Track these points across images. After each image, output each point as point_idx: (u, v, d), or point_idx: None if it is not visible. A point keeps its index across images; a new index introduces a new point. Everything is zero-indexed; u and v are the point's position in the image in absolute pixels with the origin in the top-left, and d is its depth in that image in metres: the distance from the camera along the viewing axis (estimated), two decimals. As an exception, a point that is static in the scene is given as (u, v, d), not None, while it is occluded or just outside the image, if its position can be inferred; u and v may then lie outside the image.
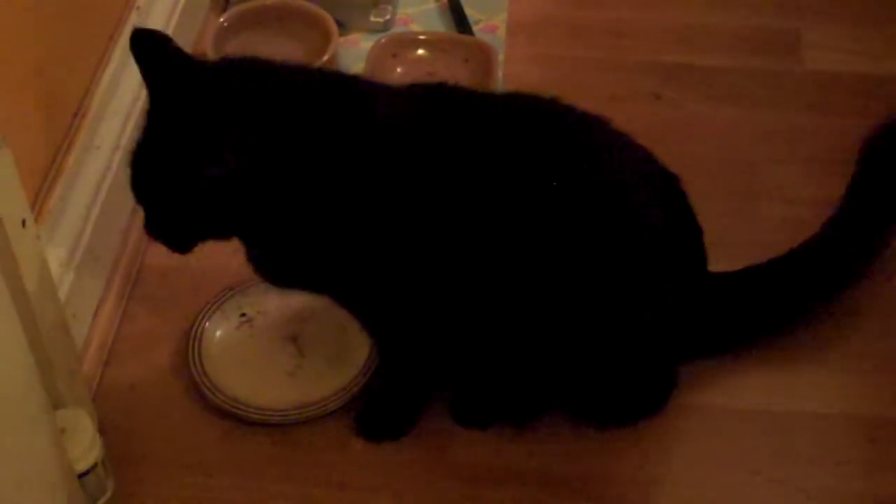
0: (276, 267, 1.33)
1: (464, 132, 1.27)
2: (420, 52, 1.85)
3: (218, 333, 1.52)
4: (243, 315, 1.54)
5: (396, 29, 1.95)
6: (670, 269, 1.34)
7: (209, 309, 1.54)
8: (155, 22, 1.72)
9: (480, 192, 1.26)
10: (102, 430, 1.36)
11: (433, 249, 1.26)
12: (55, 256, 1.41)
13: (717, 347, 1.49)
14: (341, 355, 1.50)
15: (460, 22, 1.96)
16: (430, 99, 1.30)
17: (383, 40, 1.86)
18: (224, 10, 1.93)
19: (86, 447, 1.30)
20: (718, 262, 1.49)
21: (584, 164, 1.30)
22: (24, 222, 1.20)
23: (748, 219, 1.69)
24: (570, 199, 1.27)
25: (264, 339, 1.53)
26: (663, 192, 1.37)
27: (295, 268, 1.31)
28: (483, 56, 1.84)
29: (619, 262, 1.29)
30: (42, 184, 1.44)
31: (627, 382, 1.40)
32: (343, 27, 1.90)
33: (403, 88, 1.32)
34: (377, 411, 1.46)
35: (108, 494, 1.35)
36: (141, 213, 1.61)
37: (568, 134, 1.32)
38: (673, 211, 1.36)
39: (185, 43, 1.82)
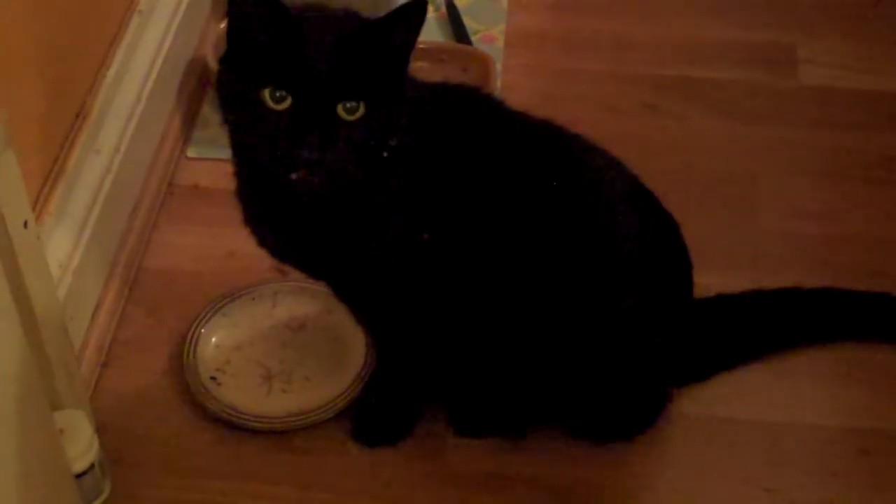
0: (311, 252, 1.30)
1: (486, 144, 1.29)
2: (419, 62, 1.85)
3: (213, 340, 1.52)
4: (238, 325, 1.55)
5: (396, 38, 1.96)
6: (660, 293, 1.35)
7: (206, 314, 1.54)
8: (156, 26, 1.73)
9: (491, 204, 1.27)
10: (99, 431, 1.37)
11: (452, 251, 1.28)
12: (54, 258, 1.41)
13: (704, 373, 1.50)
14: (337, 363, 1.50)
15: (459, 32, 1.97)
16: (455, 103, 1.31)
17: (383, 49, 1.87)
18: (224, 15, 1.93)
19: (83, 448, 1.31)
20: (716, 275, 1.50)
21: (587, 196, 1.31)
22: (25, 224, 1.20)
23: (746, 231, 1.70)
24: (569, 224, 1.28)
25: (259, 347, 1.53)
26: (658, 226, 1.37)
27: (338, 255, 1.28)
28: (481, 66, 1.85)
29: (611, 283, 1.30)
30: (43, 185, 1.44)
31: (621, 400, 1.41)
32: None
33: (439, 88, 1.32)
34: (374, 418, 1.46)
35: (105, 495, 1.36)
36: (140, 215, 1.63)
37: (576, 165, 1.32)
38: (665, 242, 1.37)
39: (186, 48, 1.83)
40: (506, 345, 1.33)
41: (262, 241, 1.31)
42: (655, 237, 1.35)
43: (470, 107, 1.31)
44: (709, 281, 1.47)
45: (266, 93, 1.12)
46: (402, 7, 1.14)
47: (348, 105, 1.13)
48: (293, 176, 1.15)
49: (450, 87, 1.33)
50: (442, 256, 1.27)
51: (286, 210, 1.24)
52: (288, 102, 1.13)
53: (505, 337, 1.32)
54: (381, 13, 1.15)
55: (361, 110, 1.14)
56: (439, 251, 1.27)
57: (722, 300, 1.53)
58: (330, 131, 1.13)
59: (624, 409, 1.43)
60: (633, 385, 1.39)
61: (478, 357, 1.36)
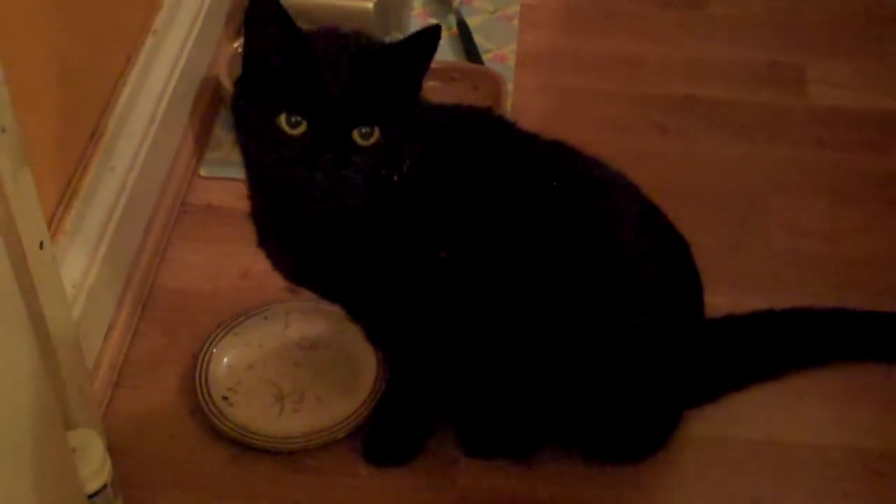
0: (324, 275, 1.31)
1: (498, 167, 1.30)
2: (430, 81, 1.85)
3: (225, 360, 1.53)
4: (250, 344, 1.55)
5: (406, 57, 1.97)
6: (671, 313, 1.35)
7: (218, 334, 1.54)
8: (170, 46, 1.74)
9: (503, 226, 1.28)
10: (111, 450, 1.37)
11: (464, 268, 1.29)
12: (69, 277, 1.42)
13: (714, 393, 1.51)
14: (348, 383, 1.51)
15: (470, 51, 1.98)
16: (468, 126, 1.32)
17: (394, 68, 1.87)
18: (238, 35, 1.95)
19: (96, 468, 1.31)
20: (726, 295, 1.50)
21: (599, 217, 1.32)
22: (41, 244, 1.21)
23: (756, 251, 1.70)
24: (581, 245, 1.29)
25: (271, 367, 1.53)
26: (669, 247, 1.38)
27: (357, 277, 1.29)
28: (492, 85, 1.86)
29: (622, 303, 1.31)
30: (58, 205, 1.45)
31: (632, 421, 1.41)
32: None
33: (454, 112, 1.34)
34: (384, 437, 1.46)
35: (117, 515, 1.36)
36: (153, 234, 1.64)
37: (588, 187, 1.33)
38: (677, 266, 1.38)
39: (199, 68, 1.84)
40: (516, 364, 1.34)
41: (277, 264, 1.31)
42: (667, 257, 1.36)
43: (482, 129, 1.32)
44: (718, 301, 1.48)
45: (282, 118, 1.13)
46: (418, 33, 1.15)
47: (363, 130, 1.14)
48: (307, 200, 1.16)
49: (462, 110, 1.34)
50: (455, 277, 1.28)
51: (300, 233, 1.24)
52: (303, 127, 1.13)
53: (516, 356, 1.33)
54: (394, 34, 1.16)
55: (376, 135, 1.15)
56: (452, 272, 1.28)
57: (732, 321, 1.53)
58: (345, 156, 1.14)
59: (635, 430, 1.43)
60: (644, 406, 1.39)
61: (489, 376, 1.37)
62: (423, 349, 1.35)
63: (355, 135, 1.14)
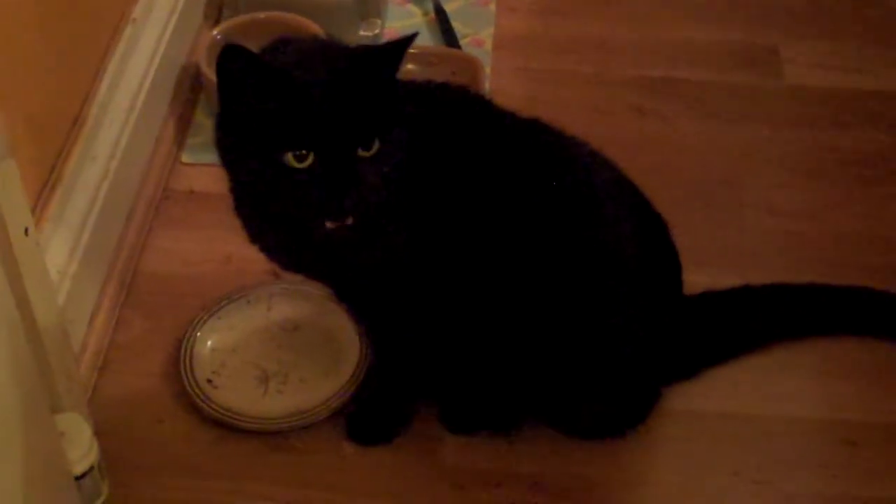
0: (321, 263, 1.33)
1: (475, 143, 1.31)
2: (409, 65, 1.87)
3: (209, 343, 1.54)
4: (233, 327, 1.56)
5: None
6: (650, 290, 1.37)
7: (201, 317, 1.56)
8: (150, 34, 1.75)
9: (481, 202, 1.29)
10: (97, 434, 1.38)
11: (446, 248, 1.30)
12: (53, 264, 1.43)
13: (693, 369, 1.53)
14: (332, 363, 1.52)
15: (448, 36, 1.99)
16: (444, 103, 1.34)
17: (372, 54, 1.88)
18: (217, 23, 1.95)
19: (83, 451, 1.33)
20: (703, 273, 1.52)
21: (577, 193, 1.33)
22: (26, 231, 1.22)
23: (733, 229, 1.72)
24: (559, 221, 1.31)
25: (255, 349, 1.55)
26: (647, 224, 1.40)
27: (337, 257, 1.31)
28: (470, 69, 1.87)
29: (602, 280, 1.33)
30: (41, 192, 1.46)
31: (613, 397, 1.43)
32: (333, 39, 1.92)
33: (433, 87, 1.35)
34: (368, 416, 1.48)
35: (104, 497, 1.38)
36: (136, 220, 1.65)
37: (566, 163, 1.34)
38: (655, 243, 1.40)
39: (178, 55, 1.85)
40: (497, 340, 1.35)
41: (274, 258, 1.34)
42: (645, 234, 1.38)
43: (459, 106, 1.33)
44: (696, 279, 1.50)
45: (288, 156, 1.15)
46: (395, 43, 1.17)
47: (367, 143, 1.17)
48: (329, 225, 1.19)
49: (437, 87, 1.35)
50: (438, 256, 1.30)
51: (306, 240, 1.26)
52: (311, 159, 1.15)
53: (496, 332, 1.34)
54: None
55: (377, 145, 1.17)
56: (436, 251, 1.29)
57: (709, 297, 1.55)
58: (356, 175, 1.16)
59: (615, 406, 1.45)
60: (624, 381, 1.41)
61: (469, 352, 1.38)
62: (408, 324, 1.37)
63: (360, 151, 1.17)
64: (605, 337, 1.35)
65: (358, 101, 1.15)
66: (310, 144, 1.15)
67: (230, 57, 1.14)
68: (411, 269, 1.30)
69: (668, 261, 1.41)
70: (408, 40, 1.18)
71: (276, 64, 1.16)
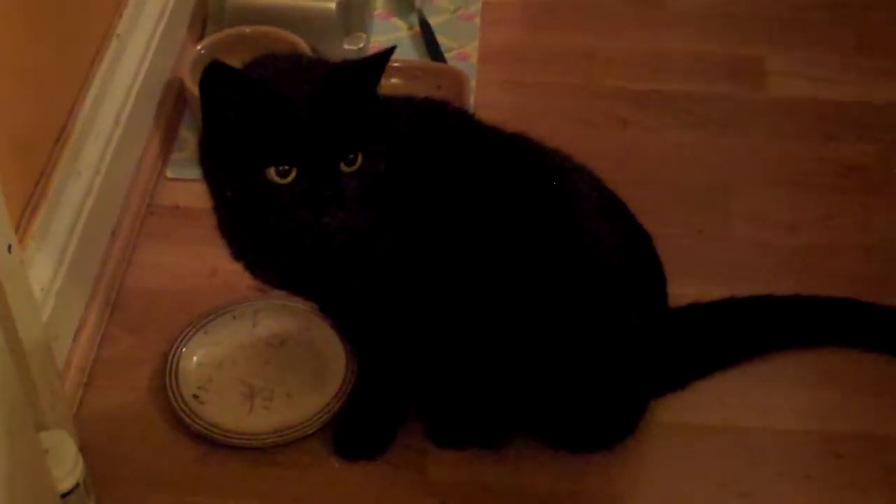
0: (304, 279, 1.33)
1: (457, 157, 1.32)
2: (393, 79, 1.88)
3: (195, 359, 1.54)
4: (219, 343, 1.56)
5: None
6: (635, 303, 1.37)
7: (187, 333, 1.55)
8: (134, 49, 1.75)
9: (466, 216, 1.30)
10: (83, 450, 1.37)
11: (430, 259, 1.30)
12: (37, 280, 1.43)
13: (680, 381, 1.53)
14: (317, 379, 1.52)
15: (433, 50, 2.00)
16: (424, 118, 1.34)
17: (357, 67, 1.89)
18: (201, 38, 1.95)
19: (68, 468, 1.32)
20: (689, 285, 1.53)
21: (561, 207, 1.33)
22: (9, 248, 1.22)
23: (718, 242, 1.72)
24: (542, 234, 1.31)
25: (240, 364, 1.54)
26: (631, 237, 1.40)
27: (325, 273, 1.31)
28: (455, 83, 1.87)
29: (586, 293, 1.33)
30: (25, 209, 1.46)
31: (599, 410, 1.43)
32: (316, 54, 1.92)
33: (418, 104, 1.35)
34: (354, 431, 1.48)
35: (90, 514, 1.37)
36: (121, 236, 1.65)
37: (549, 177, 1.34)
38: (639, 255, 1.40)
39: (163, 70, 1.85)
40: (484, 353, 1.35)
41: (257, 275, 1.34)
42: (630, 247, 1.38)
43: (439, 121, 1.34)
44: (682, 291, 1.50)
45: (271, 171, 1.15)
46: (374, 57, 1.18)
47: (350, 158, 1.17)
48: (316, 240, 1.19)
49: (418, 101, 1.35)
50: (421, 270, 1.30)
51: (293, 255, 1.26)
52: (293, 174, 1.16)
53: (483, 345, 1.34)
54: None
55: (359, 160, 1.18)
56: (419, 265, 1.29)
57: (696, 309, 1.55)
58: (339, 189, 1.17)
59: (602, 419, 1.45)
60: (612, 394, 1.41)
61: (455, 365, 1.38)
62: (393, 339, 1.37)
63: (342, 166, 1.17)
64: (591, 350, 1.35)
65: (340, 117, 1.16)
66: (292, 160, 1.15)
67: (213, 75, 1.14)
68: (395, 284, 1.30)
69: (653, 273, 1.41)
70: (387, 53, 1.19)
71: (258, 80, 1.16)
